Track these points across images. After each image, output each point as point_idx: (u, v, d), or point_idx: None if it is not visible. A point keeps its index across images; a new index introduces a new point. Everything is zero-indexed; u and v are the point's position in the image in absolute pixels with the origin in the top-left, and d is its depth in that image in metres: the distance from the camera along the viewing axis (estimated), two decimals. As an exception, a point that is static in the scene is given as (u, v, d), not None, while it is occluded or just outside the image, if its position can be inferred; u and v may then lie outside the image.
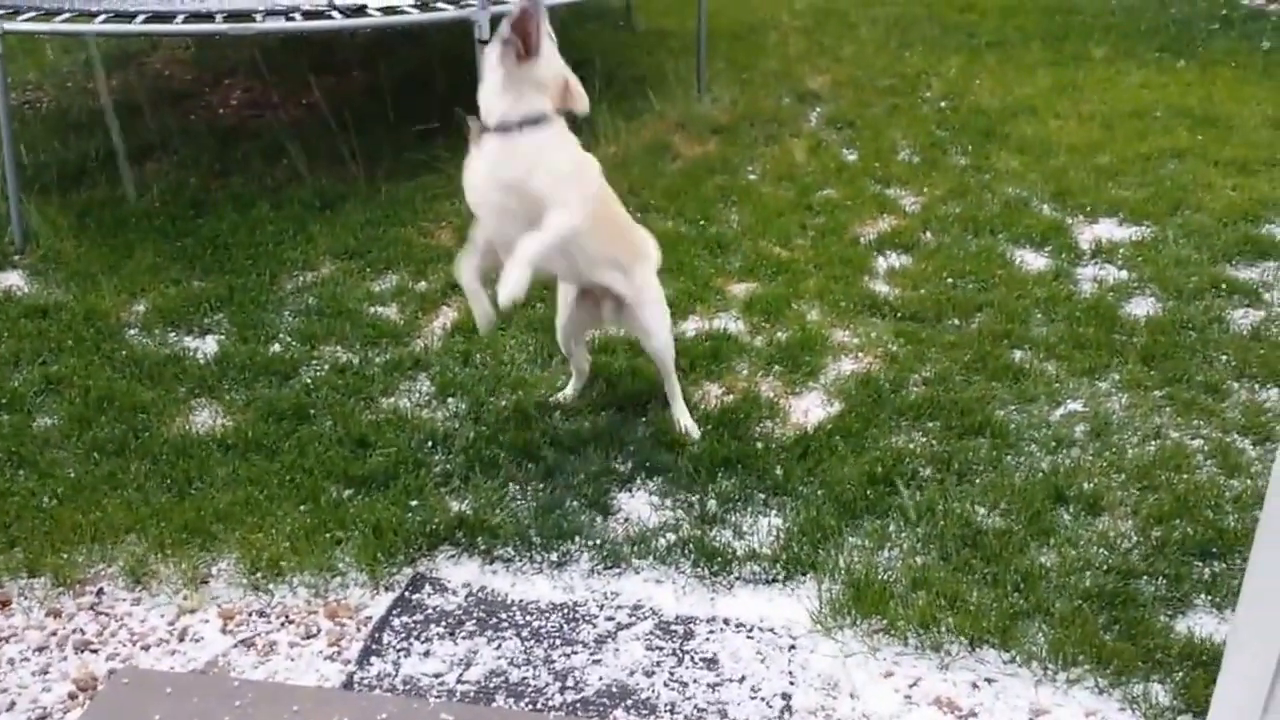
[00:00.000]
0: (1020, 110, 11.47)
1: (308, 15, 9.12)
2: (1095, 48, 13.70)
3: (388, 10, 9.38)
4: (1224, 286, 7.90)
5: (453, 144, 9.48)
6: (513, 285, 5.33)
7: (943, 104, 11.80)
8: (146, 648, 4.92)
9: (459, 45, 9.46)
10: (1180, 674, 4.72)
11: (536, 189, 5.44)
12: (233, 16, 9.00)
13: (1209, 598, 5.16)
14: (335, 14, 9.21)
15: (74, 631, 5.02)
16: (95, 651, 4.92)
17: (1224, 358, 7.07)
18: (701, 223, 8.94)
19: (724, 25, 14.31)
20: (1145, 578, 5.28)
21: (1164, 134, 10.75)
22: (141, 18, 8.93)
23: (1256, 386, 6.79)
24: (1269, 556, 2.89)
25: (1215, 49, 13.74)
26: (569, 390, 6.66)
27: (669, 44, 13.60)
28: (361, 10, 9.26)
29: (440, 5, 9.47)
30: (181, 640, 4.96)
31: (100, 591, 5.23)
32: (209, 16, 9.05)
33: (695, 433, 6.29)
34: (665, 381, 6.35)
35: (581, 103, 5.79)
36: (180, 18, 9.00)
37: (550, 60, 5.61)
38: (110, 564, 5.37)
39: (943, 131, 11.01)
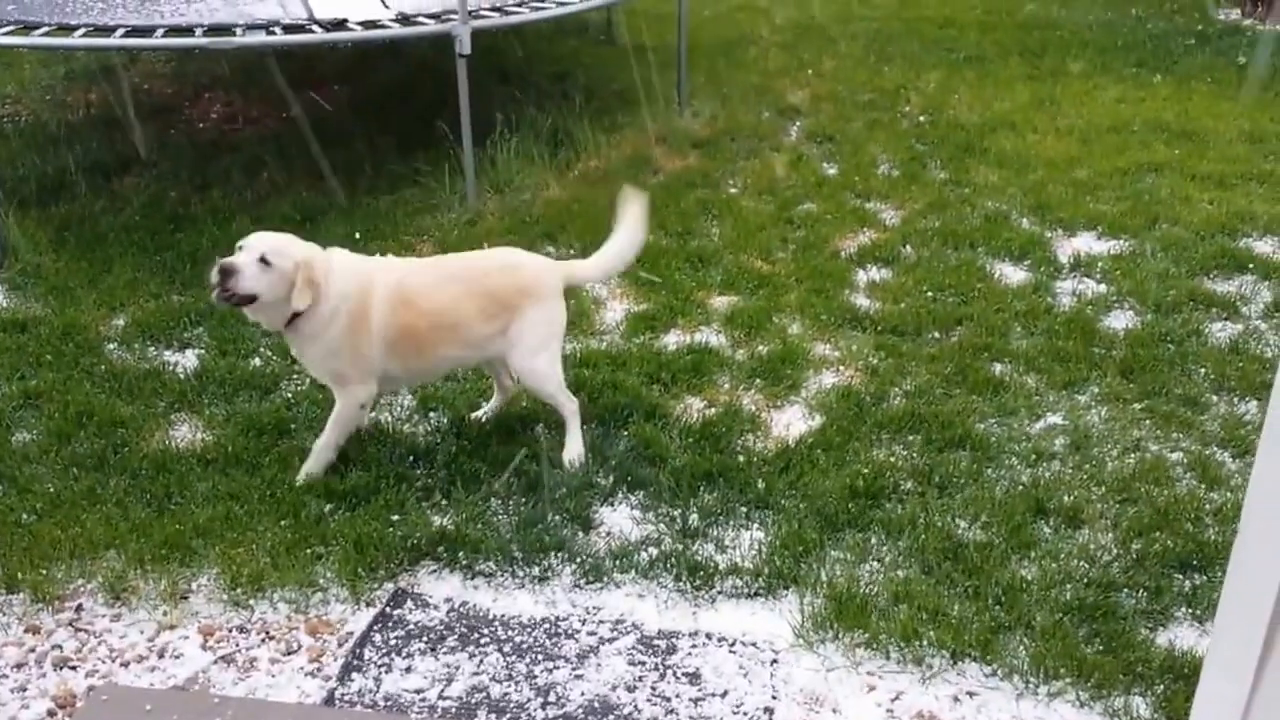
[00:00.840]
0: (999, 125, 11.50)
1: (288, 29, 9.10)
2: (1073, 63, 13.77)
3: (368, 25, 9.36)
4: (1202, 300, 7.92)
5: (434, 157, 9.51)
6: (311, 464, 6.03)
7: (922, 118, 11.83)
8: (126, 664, 4.88)
9: (440, 59, 9.46)
10: (1161, 687, 4.71)
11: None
12: (212, 31, 8.95)
13: (1189, 610, 5.15)
14: (315, 28, 9.19)
15: (53, 648, 4.97)
16: (74, 668, 4.87)
17: (1202, 371, 7.08)
18: (683, 236, 8.92)
19: (704, 40, 14.34)
20: (1126, 590, 5.27)
21: (1141, 148, 10.79)
22: (120, 31, 8.90)
23: (1235, 399, 6.78)
24: (1246, 570, 2.88)
25: (1191, 64, 13.81)
26: (488, 406, 6.69)
27: (650, 59, 13.57)
28: (342, 25, 9.24)
29: (421, 20, 9.44)
30: (161, 657, 4.92)
31: (79, 608, 5.18)
32: (188, 30, 9.01)
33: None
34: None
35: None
36: (159, 32, 8.97)
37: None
38: (89, 580, 5.32)
39: (922, 146, 11.04)
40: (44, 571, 5.33)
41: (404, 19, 9.50)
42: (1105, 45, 14.65)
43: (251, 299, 5.71)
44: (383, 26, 9.40)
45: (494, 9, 9.98)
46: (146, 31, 8.99)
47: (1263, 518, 2.76)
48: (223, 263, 5.68)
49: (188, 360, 7.21)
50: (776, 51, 14.34)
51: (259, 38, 8.97)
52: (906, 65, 13.81)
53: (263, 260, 5.66)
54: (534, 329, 6.09)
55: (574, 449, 6.22)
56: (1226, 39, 14.96)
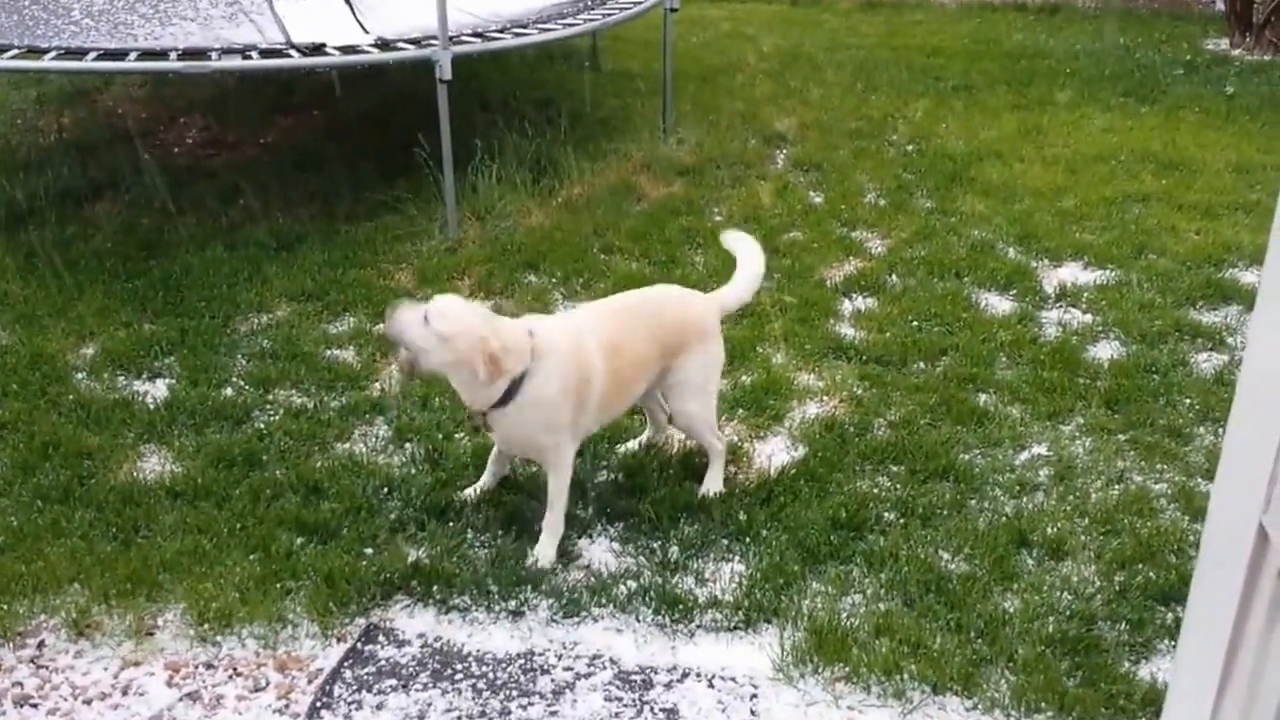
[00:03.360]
0: (986, 154, 11.50)
1: (265, 54, 9.06)
2: (1060, 92, 13.79)
3: (346, 50, 9.32)
4: (1188, 330, 7.91)
5: (414, 184, 9.48)
6: (548, 548, 5.75)
7: (909, 147, 11.83)
8: (89, 702, 4.81)
9: (420, 85, 9.44)
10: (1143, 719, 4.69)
11: None
12: (187, 55, 8.92)
13: (1172, 643, 5.10)
14: (293, 53, 9.15)
15: (13, 685, 4.90)
16: (35, 706, 4.81)
17: (1187, 401, 7.06)
18: (666, 264, 8.89)
19: (690, 68, 14.34)
20: (1108, 623, 5.25)
21: (1128, 178, 10.79)
22: (93, 55, 8.85)
23: (1220, 430, 6.74)
24: (1205, 597, 2.87)
25: (1179, 94, 13.84)
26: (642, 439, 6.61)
27: (635, 86, 13.61)
28: (320, 49, 9.19)
29: (401, 45, 9.41)
30: (125, 694, 4.85)
31: (41, 644, 5.12)
32: (162, 55, 8.97)
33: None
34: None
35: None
36: (133, 55, 8.93)
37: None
38: (52, 615, 5.25)
39: (909, 175, 11.03)
40: (5, 606, 5.26)
41: (383, 44, 9.47)
42: (1092, 75, 14.68)
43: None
44: (362, 51, 9.36)
45: (475, 35, 9.95)
46: (119, 55, 8.94)
47: (1220, 543, 2.75)
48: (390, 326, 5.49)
49: (158, 390, 7.16)
50: (763, 79, 14.35)
51: (235, 62, 8.94)
52: (894, 94, 13.83)
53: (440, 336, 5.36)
54: (698, 368, 6.06)
55: (713, 484, 6.21)
56: (1215, 69, 15.00)
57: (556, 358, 5.51)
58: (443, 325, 5.31)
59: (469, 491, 6.10)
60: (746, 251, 6.47)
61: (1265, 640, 2.49)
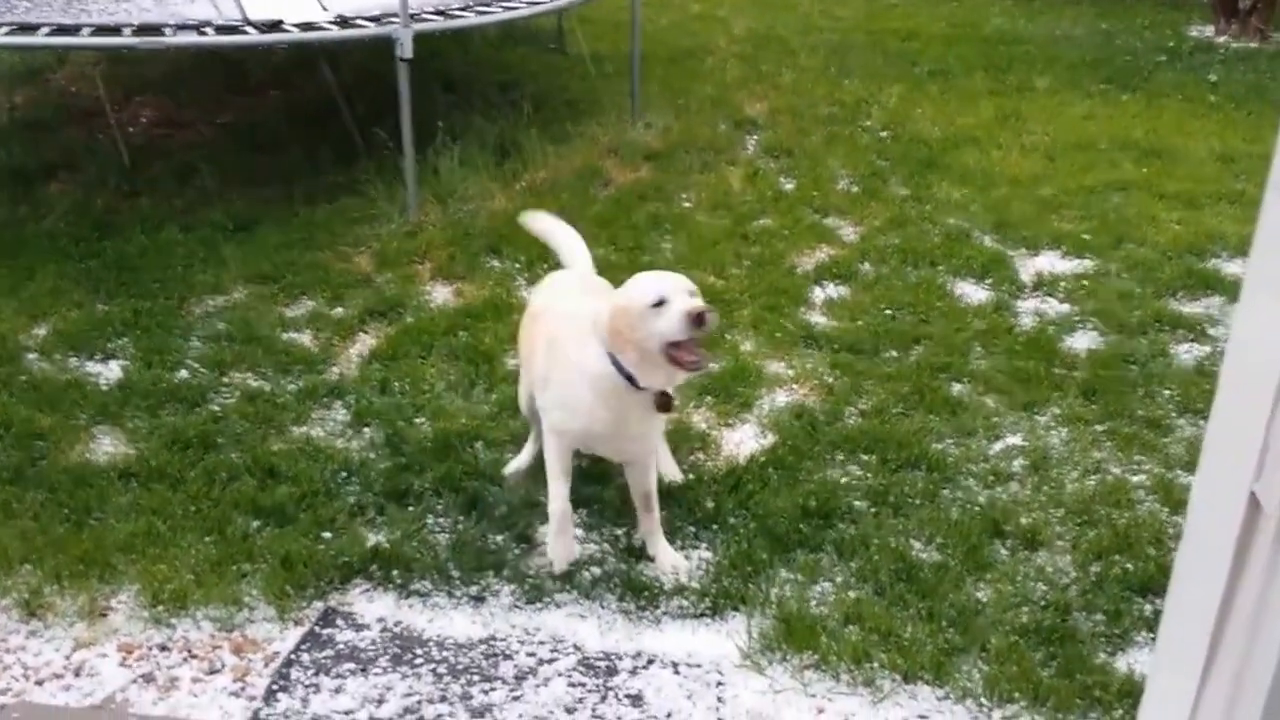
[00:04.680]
0: (962, 140, 11.58)
1: (221, 30, 9.08)
2: (1039, 78, 13.88)
3: (305, 27, 9.34)
4: (1168, 321, 7.99)
5: (374, 166, 9.51)
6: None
7: (883, 133, 11.90)
8: (40, 682, 4.84)
9: (380, 65, 9.46)
10: (1119, 711, 4.74)
11: None
12: (142, 30, 8.92)
13: (1150, 635, 5.16)
14: (250, 29, 9.17)
15: (-37, 664, 4.95)
16: (-14, 685, 4.86)
17: (1167, 393, 7.13)
18: (633, 250, 8.93)
19: (659, 50, 14.39)
20: (1084, 614, 5.31)
21: (1109, 166, 10.88)
22: (46, 29, 8.85)
23: (1201, 422, 6.81)
24: (1185, 591, 2.92)
25: (1162, 81, 13.94)
26: (521, 459, 6.34)
27: (602, 68, 13.65)
28: (277, 26, 9.22)
29: (360, 22, 9.44)
30: (78, 675, 4.89)
31: (-8, 624, 5.18)
32: (116, 30, 8.98)
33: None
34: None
35: None
36: (86, 30, 8.94)
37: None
38: (3, 596, 5.28)
39: (883, 161, 11.10)
40: (-45, 587, 5.31)
41: (342, 21, 9.49)
42: (1073, 61, 14.77)
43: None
44: (320, 29, 9.38)
45: (437, 12, 9.98)
46: (73, 30, 8.95)
47: (1208, 512, 2.80)
48: (694, 310, 5.07)
49: (111, 371, 7.19)
50: (734, 63, 14.40)
51: (190, 38, 8.96)
52: (868, 79, 13.88)
53: (691, 292, 5.20)
54: None
55: (674, 470, 6.29)
56: (1199, 56, 15.11)
57: None
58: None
59: (566, 551, 5.61)
60: (558, 234, 6.57)
61: (1256, 611, 2.53)
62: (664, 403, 5.29)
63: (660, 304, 5.03)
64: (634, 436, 5.51)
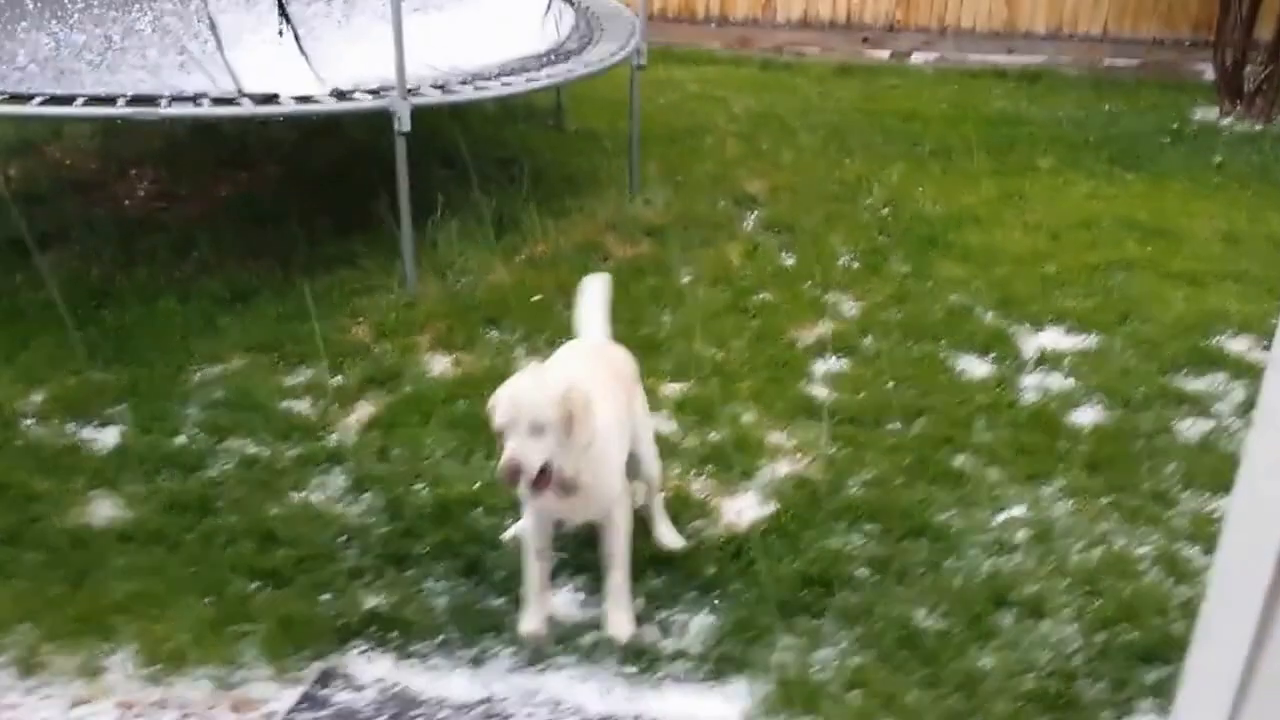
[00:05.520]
0: (964, 219, 11.63)
1: (216, 102, 9.16)
2: (1041, 158, 13.94)
3: (301, 99, 9.42)
4: (1173, 397, 8.03)
5: (372, 239, 9.59)
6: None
7: (884, 211, 11.94)
8: (38, 742, 4.91)
9: (378, 138, 9.55)
10: (1125, 781, 4.79)
11: None
12: (136, 101, 9.00)
13: (1154, 702, 5.23)
14: (244, 101, 9.26)
15: (-40, 723, 4.99)
16: (-17, 742, 4.90)
17: (1171, 467, 7.18)
18: (632, 323, 8.99)
19: (658, 129, 14.47)
20: (1088, 681, 5.37)
21: (1112, 245, 10.92)
22: (39, 99, 8.94)
23: (1206, 495, 6.88)
24: (1206, 654, 2.95)
25: (1166, 162, 13.99)
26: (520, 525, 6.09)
27: (601, 145, 13.73)
28: (273, 99, 9.30)
29: (357, 95, 9.52)
30: (75, 734, 4.95)
31: (-11, 682, 5.22)
32: (111, 100, 9.06)
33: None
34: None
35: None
36: (80, 100, 9.01)
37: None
38: (1, 653, 5.34)
39: (884, 238, 11.13)
40: (-49, 646, 5.35)
41: (339, 94, 9.58)
42: (1075, 142, 14.84)
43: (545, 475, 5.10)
44: (316, 102, 9.46)
45: (435, 86, 10.08)
46: (66, 100, 9.03)
47: (1226, 596, 2.82)
48: (505, 466, 5.02)
49: (108, 437, 7.25)
50: (733, 141, 14.48)
51: (186, 109, 9.03)
52: (868, 158, 13.94)
53: (534, 428, 5.04)
54: (645, 408, 6.33)
55: (673, 536, 6.38)
56: (1203, 138, 15.18)
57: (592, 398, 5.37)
58: (546, 414, 5.03)
59: (532, 629, 5.61)
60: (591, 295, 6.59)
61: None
62: (535, 494, 5.20)
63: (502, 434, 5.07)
64: (580, 511, 5.63)
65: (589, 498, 5.46)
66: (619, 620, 5.61)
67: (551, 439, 5.04)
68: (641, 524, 6.32)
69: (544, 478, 5.05)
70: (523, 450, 4.97)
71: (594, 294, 6.55)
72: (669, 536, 6.28)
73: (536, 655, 5.46)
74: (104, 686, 5.18)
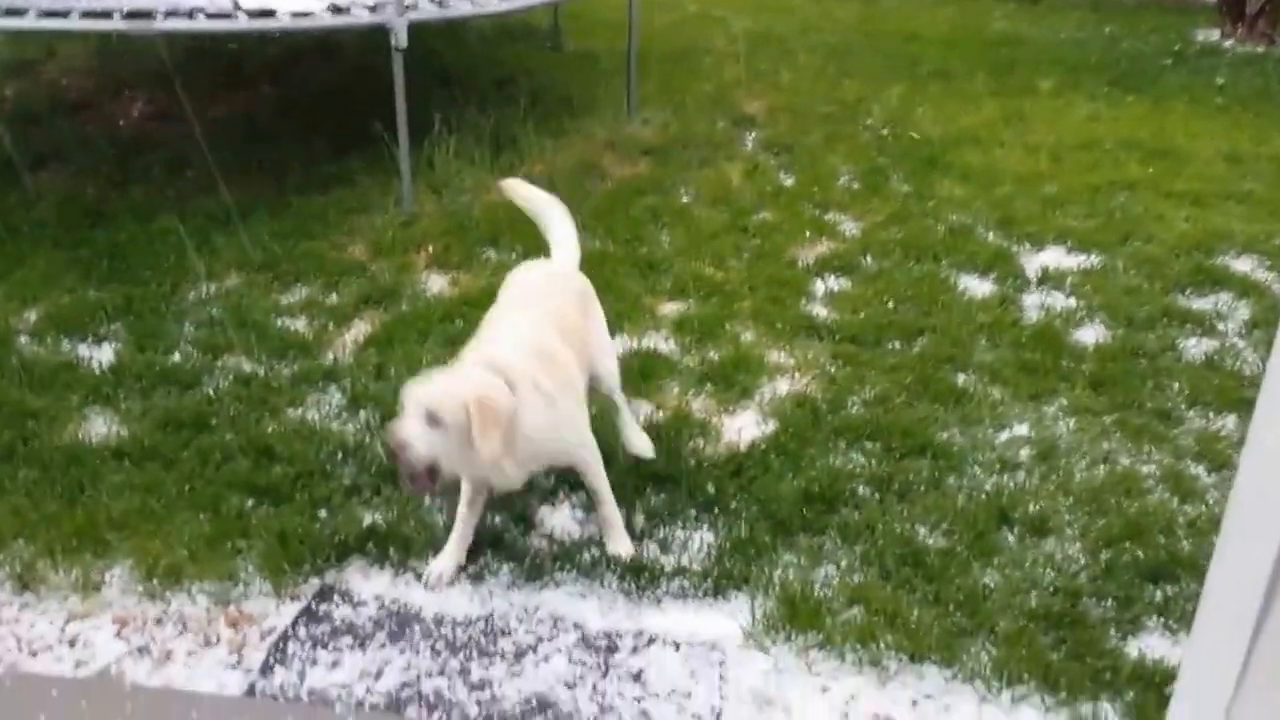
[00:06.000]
0: (964, 140, 11.57)
1: (212, 16, 9.05)
2: (1042, 80, 13.87)
3: (298, 15, 9.31)
4: (1176, 316, 7.97)
5: (369, 158, 9.51)
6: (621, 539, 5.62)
7: (884, 131, 11.89)
8: (35, 653, 4.85)
9: (375, 58, 9.45)
10: (1131, 695, 4.73)
11: None
12: (132, 15, 8.88)
13: (1161, 620, 5.17)
14: (241, 15, 9.14)
15: (-44, 637, 4.95)
16: (-21, 657, 4.86)
17: (1176, 385, 7.11)
18: (630, 243, 8.94)
19: (656, 48, 14.38)
20: (1094, 599, 5.30)
21: (1114, 166, 10.87)
22: (34, 12, 8.82)
23: (1211, 414, 6.83)
24: (1225, 576, 2.89)
25: (1168, 84, 13.93)
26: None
27: (598, 65, 13.65)
28: (269, 13, 9.19)
29: (354, 10, 9.41)
30: (72, 647, 4.90)
31: (-15, 597, 5.18)
32: (106, 14, 8.94)
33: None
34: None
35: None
36: (76, 14, 8.90)
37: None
38: (-3, 569, 5.31)
39: (884, 158, 11.08)
40: (-53, 562, 5.31)
41: (336, 9, 9.46)
42: (1077, 63, 14.76)
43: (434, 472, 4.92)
44: (313, 16, 9.35)
45: (432, 2, 9.97)
46: (62, 14, 8.92)
47: (1245, 520, 2.77)
48: (392, 441, 4.88)
49: (103, 354, 7.20)
50: (732, 62, 14.37)
51: (181, 23, 8.92)
52: (868, 79, 13.87)
53: (430, 418, 4.85)
54: (602, 326, 6.16)
55: (644, 443, 6.25)
56: (1205, 59, 15.11)
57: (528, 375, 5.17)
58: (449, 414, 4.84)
59: (439, 570, 5.43)
60: (551, 213, 6.51)
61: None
62: (413, 489, 5.05)
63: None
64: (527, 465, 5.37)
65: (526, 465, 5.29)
66: (618, 542, 5.56)
67: (449, 440, 4.85)
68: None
69: (430, 475, 4.89)
70: (411, 433, 4.82)
71: (546, 201, 6.56)
72: (639, 443, 6.18)
73: (535, 571, 5.41)
74: (101, 602, 5.13)
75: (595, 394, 5.93)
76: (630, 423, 6.20)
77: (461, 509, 5.46)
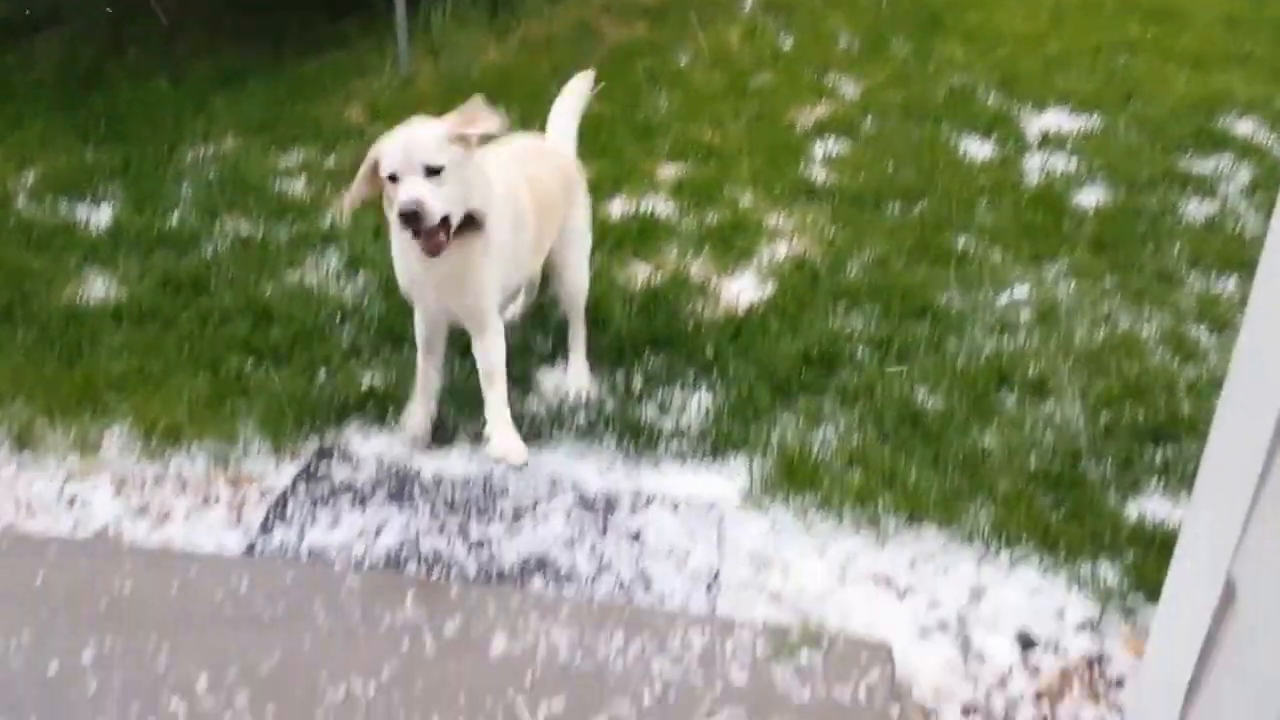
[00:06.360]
0: (966, 1, 11.42)
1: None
2: (1044, -60, 13.69)
3: None
4: (1178, 178, 7.90)
5: (364, 20, 9.40)
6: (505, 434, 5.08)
7: (885, -8, 11.75)
8: (33, 514, 4.85)
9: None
10: (1131, 556, 4.73)
11: None
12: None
13: (1161, 481, 5.16)
14: None
15: (-46, 496, 4.94)
16: (-23, 516, 4.85)
17: (1177, 247, 7.06)
18: (628, 106, 8.85)
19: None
20: (1094, 460, 5.28)
21: (1115, 27, 10.74)
22: None
23: (1211, 275, 6.78)
24: (1227, 436, 2.86)
25: (1170, -55, 13.76)
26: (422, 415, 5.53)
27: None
28: None
29: None
30: (71, 506, 4.90)
31: (-17, 457, 5.16)
32: None
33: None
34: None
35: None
36: None
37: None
38: (-3, 429, 5.30)
39: (884, 20, 10.94)
40: (-56, 422, 5.29)
41: None
42: (1079, -76, 14.61)
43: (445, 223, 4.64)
44: None
45: None
46: None
47: (1247, 381, 2.73)
48: (405, 203, 4.53)
49: (101, 215, 7.15)
50: (732, -77, 14.23)
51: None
52: (869, -59, 13.72)
53: (429, 171, 4.58)
54: (585, 215, 5.83)
55: (581, 376, 5.85)
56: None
57: (505, 190, 5.00)
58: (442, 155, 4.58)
59: (411, 426, 5.38)
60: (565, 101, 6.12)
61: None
62: (430, 248, 4.68)
63: (394, 179, 4.61)
64: (446, 292, 5.08)
65: (463, 283, 4.99)
66: (502, 440, 5.00)
67: (452, 184, 4.61)
68: (631, 305, 6.25)
69: (445, 229, 4.63)
70: (420, 190, 4.53)
71: (572, 92, 6.17)
72: (578, 375, 5.82)
73: (533, 432, 5.38)
74: (99, 462, 5.12)
75: (556, 305, 5.95)
76: (581, 344, 5.87)
77: (420, 358, 5.33)
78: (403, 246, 4.96)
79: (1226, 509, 2.63)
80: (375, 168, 4.69)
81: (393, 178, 4.60)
